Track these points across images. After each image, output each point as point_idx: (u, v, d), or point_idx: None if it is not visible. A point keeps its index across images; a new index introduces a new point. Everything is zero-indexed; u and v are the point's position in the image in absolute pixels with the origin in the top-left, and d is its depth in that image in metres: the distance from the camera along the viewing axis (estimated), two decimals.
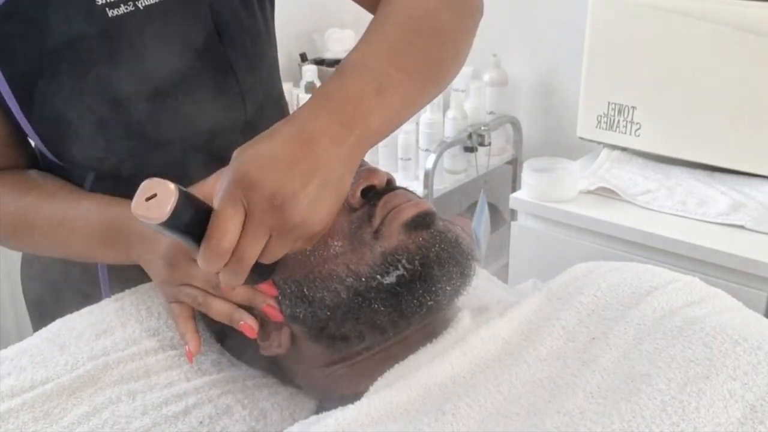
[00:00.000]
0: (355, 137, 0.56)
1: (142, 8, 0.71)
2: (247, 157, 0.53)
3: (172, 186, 0.49)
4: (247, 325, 0.63)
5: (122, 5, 0.70)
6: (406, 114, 0.63)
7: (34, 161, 0.80)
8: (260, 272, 0.57)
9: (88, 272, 0.82)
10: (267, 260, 0.55)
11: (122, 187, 0.71)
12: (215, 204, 0.52)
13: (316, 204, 0.53)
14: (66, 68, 0.69)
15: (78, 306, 0.75)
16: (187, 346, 0.67)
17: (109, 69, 0.70)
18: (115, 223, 0.70)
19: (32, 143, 0.78)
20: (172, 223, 0.49)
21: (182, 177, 0.58)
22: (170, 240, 0.64)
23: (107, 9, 0.69)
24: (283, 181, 0.51)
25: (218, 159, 0.62)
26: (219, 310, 0.64)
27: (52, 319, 0.74)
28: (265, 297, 0.63)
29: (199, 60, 0.75)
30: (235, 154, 0.55)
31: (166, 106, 0.74)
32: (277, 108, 0.89)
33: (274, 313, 0.63)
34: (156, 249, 0.66)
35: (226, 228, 0.51)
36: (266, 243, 0.53)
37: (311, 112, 0.56)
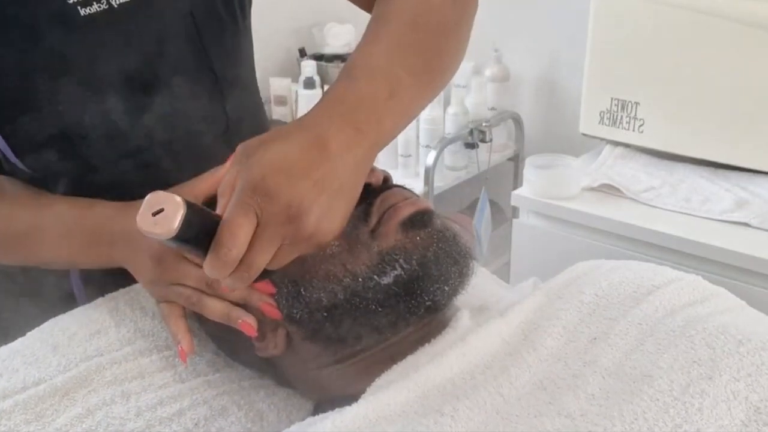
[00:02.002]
0: (369, 142, 0.55)
1: (116, 6, 0.69)
2: (260, 162, 0.51)
3: (179, 199, 0.48)
4: (247, 323, 0.62)
5: (95, 3, 0.68)
6: (415, 114, 0.63)
7: None
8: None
9: (59, 283, 0.79)
10: (274, 267, 0.54)
11: (96, 193, 0.68)
12: (227, 210, 0.50)
13: (330, 213, 0.53)
14: (37, 68, 0.67)
15: (47, 317, 0.73)
16: (179, 347, 0.66)
17: (82, 69, 0.69)
18: (95, 225, 0.68)
19: None
20: (181, 236, 0.48)
21: (161, 182, 0.57)
22: None
23: (79, 7, 0.68)
24: (299, 191, 0.50)
25: (197, 163, 0.60)
26: (215, 309, 0.63)
27: (17, 331, 0.72)
28: (261, 295, 0.62)
29: (177, 59, 0.73)
30: (241, 150, 0.53)
31: (143, 107, 0.72)
32: (256, 110, 0.88)
33: (272, 311, 0.61)
34: (143, 248, 0.65)
35: (237, 237, 0.50)
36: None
37: (325, 116, 0.55)
